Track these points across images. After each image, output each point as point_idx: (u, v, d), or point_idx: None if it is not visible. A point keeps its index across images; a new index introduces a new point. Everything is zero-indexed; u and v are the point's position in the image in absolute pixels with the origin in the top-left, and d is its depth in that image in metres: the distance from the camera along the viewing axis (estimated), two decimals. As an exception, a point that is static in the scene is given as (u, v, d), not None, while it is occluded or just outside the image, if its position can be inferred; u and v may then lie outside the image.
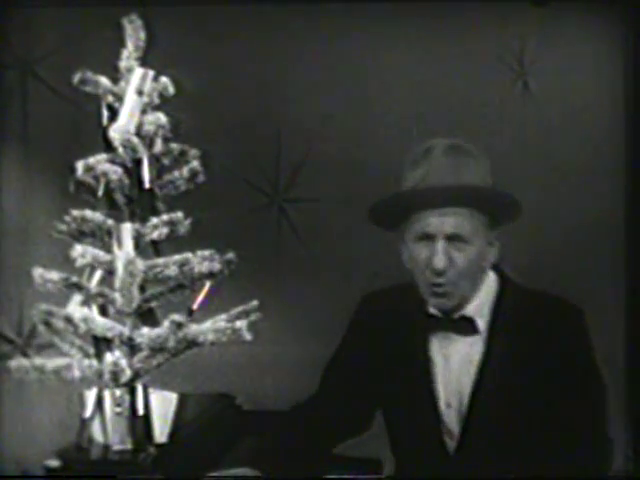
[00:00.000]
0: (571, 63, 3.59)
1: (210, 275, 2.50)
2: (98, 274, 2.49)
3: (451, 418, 2.22)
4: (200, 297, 2.51)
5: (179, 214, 2.51)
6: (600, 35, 3.57)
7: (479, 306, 2.21)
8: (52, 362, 2.44)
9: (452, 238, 2.12)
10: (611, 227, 3.58)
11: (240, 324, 2.45)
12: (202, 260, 2.48)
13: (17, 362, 2.49)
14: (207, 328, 2.45)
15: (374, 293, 2.41)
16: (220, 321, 2.49)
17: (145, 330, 2.44)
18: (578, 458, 2.11)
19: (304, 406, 2.40)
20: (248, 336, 2.46)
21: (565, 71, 3.59)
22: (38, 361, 2.47)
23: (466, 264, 2.13)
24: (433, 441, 2.24)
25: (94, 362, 2.43)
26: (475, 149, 2.19)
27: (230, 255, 2.53)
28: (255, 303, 2.57)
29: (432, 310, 2.24)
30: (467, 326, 2.20)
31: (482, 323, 2.20)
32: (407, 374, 2.25)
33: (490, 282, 2.24)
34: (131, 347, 2.44)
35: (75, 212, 2.49)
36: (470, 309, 2.20)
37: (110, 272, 2.47)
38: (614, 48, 3.57)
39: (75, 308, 2.45)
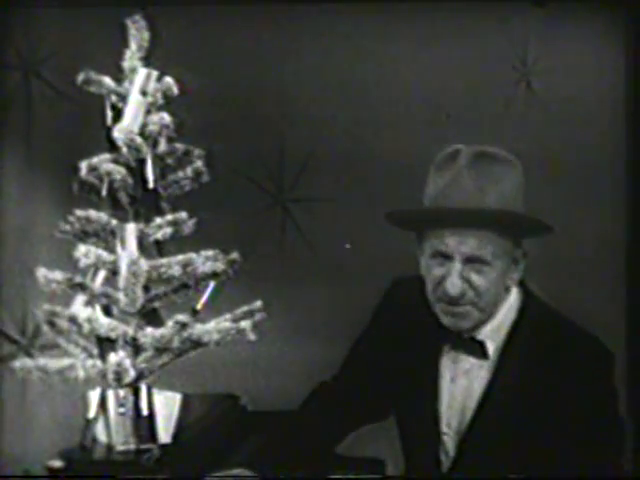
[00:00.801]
0: (573, 63, 3.59)
1: (214, 275, 2.50)
2: (102, 274, 2.49)
3: (449, 438, 2.14)
4: (204, 297, 2.51)
5: (183, 214, 2.51)
6: (601, 35, 3.57)
7: (494, 329, 2.06)
8: (56, 362, 2.44)
9: (471, 260, 1.96)
10: (612, 226, 3.57)
11: (244, 324, 2.45)
12: (206, 260, 2.48)
13: (21, 362, 2.49)
14: (211, 328, 2.45)
15: (405, 278, 2.24)
16: (224, 321, 2.48)
17: (149, 330, 2.44)
18: None
19: (326, 385, 2.35)
20: (252, 336, 2.46)
21: (568, 71, 3.59)
22: (42, 361, 2.47)
23: (487, 286, 1.98)
24: (430, 452, 2.16)
25: (98, 362, 2.42)
26: (505, 155, 2.01)
27: (234, 255, 2.53)
28: (259, 303, 2.57)
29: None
30: (476, 349, 2.07)
31: (493, 348, 2.07)
32: (418, 382, 2.16)
33: (511, 301, 2.09)
34: (135, 347, 2.44)
35: (79, 212, 2.49)
36: (483, 332, 2.06)
37: (114, 272, 2.47)
38: (615, 47, 3.57)
39: (79, 308, 2.45)
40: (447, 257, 1.97)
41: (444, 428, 2.14)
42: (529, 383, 2.01)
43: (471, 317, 2.01)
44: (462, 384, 2.10)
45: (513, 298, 2.09)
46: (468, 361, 2.09)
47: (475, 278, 1.97)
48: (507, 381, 2.03)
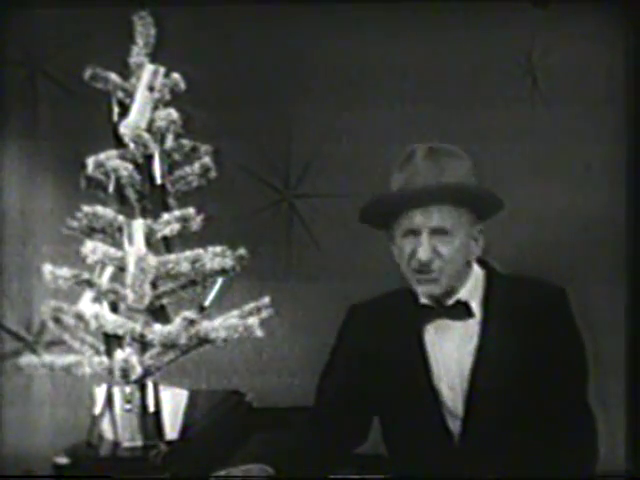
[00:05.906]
0: (577, 61, 3.59)
1: (222, 271, 2.50)
2: (109, 271, 2.49)
3: (455, 401, 2.26)
4: (212, 293, 2.50)
5: (191, 210, 2.50)
6: (603, 34, 3.57)
7: (471, 291, 2.29)
8: (62, 359, 2.44)
9: (436, 231, 2.21)
10: (614, 224, 3.58)
11: (252, 321, 2.45)
12: (214, 256, 2.47)
13: (27, 359, 2.49)
14: (219, 325, 2.44)
15: (361, 304, 2.43)
16: (232, 318, 2.48)
17: (156, 327, 2.43)
18: (562, 426, 2.20)
19: (306, 420, 2.40)
20: (259, 333, 2.45)
21: (572, 69, 3.59)
22: (48, 358, 2.46)
23: (451, 255, 2.23)
24: (437, 429, 2.26)
25: (104, 359, 2.42)
26: (456, 151, 2.28)
27: (242, 251, 2.52)
28: (267, 300, 2.56)
29: (424, 300, 2.29)
30: (462, 310, 2.28)
31: (476, 307, 2.28)
32: (403, 370, 2.28)
33: (477, 274, 2.32)
34: (142, 344, 2.44)
35: (86, 208, 2.49)
36: (464, 293, 2.28)
37: (121, 269, 2.47)
38: (616, 46, 3.57)
39: (86, 305, 2.45)
40: (416, 233, 2.22)
41: (448, 394, 2.27)
42: (512, 332, 2.24)
43: (441, 283, 2.23)
44: (454, 346, 2.27)
45: (478, 272, 2.32)
46: (455, 325, 2.28)
47: (441, 247, 2.22)
48: (495, 333, 2.25)
